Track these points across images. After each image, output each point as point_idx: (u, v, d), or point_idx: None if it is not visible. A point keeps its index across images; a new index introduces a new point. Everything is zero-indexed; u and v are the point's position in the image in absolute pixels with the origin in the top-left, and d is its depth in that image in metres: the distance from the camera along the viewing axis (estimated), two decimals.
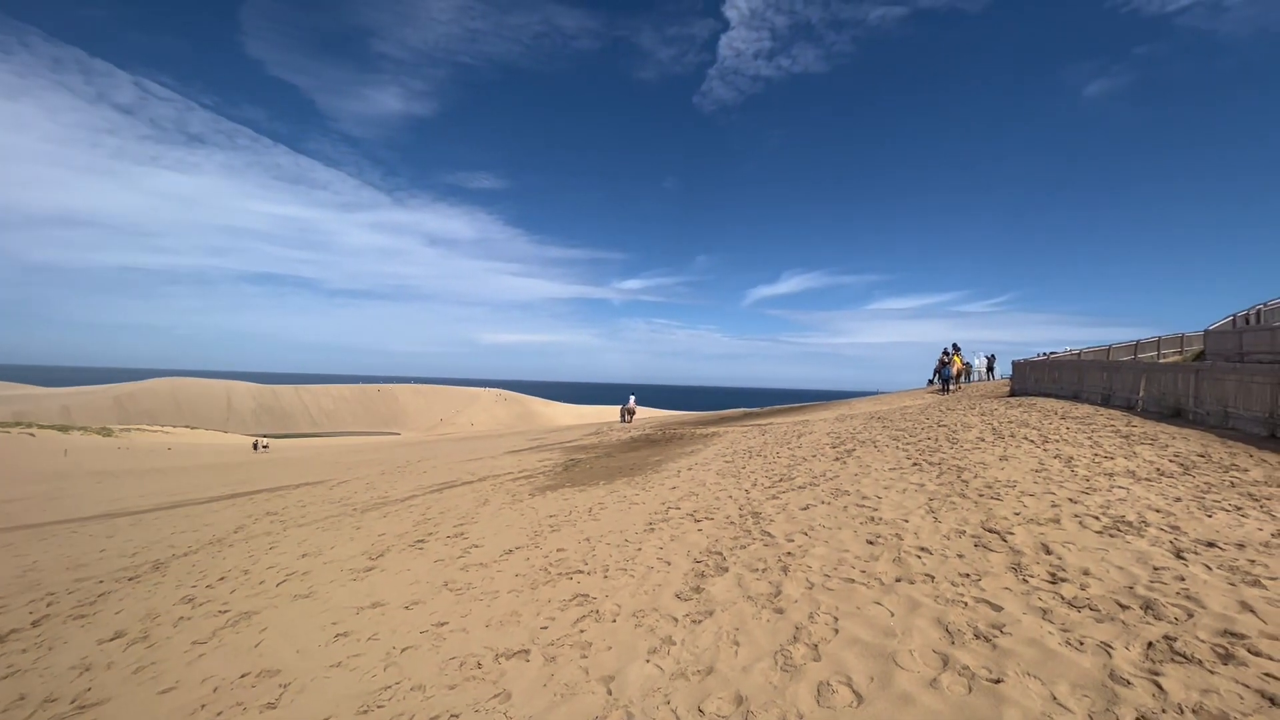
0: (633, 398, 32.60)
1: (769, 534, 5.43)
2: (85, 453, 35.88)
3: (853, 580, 4.16)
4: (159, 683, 4.05)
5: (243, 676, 3.94)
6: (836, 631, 3.47)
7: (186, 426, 59.22)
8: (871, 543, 4.85)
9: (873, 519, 5.48)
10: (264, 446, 41.68)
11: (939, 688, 2.80)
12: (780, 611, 3.82)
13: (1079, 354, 16.04)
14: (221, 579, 6.46)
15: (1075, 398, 14.51)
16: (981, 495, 5.83)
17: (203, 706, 3.61)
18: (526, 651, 3.74)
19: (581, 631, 3.92)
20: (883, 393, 33.71)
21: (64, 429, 43.82)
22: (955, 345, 24.30)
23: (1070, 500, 5.48)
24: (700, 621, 3.82)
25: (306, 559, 6.81)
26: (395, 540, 7.12)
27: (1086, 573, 3.85)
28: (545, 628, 4.05)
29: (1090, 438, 8.35)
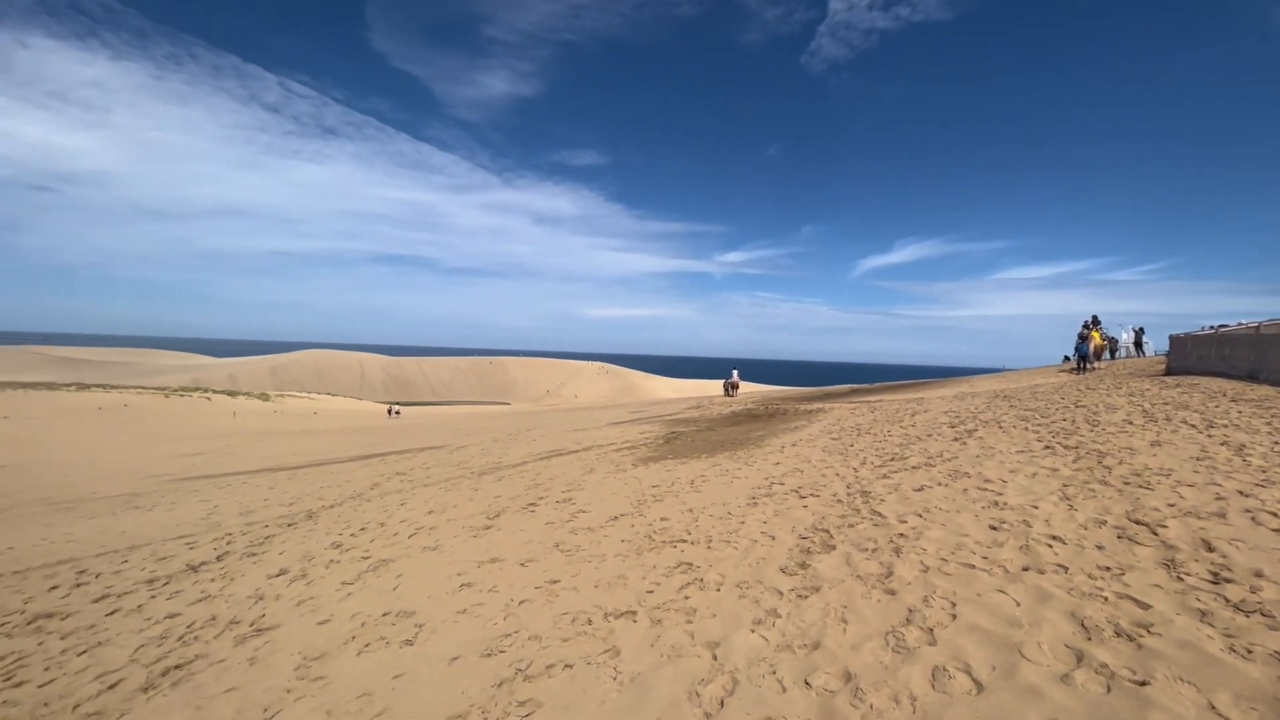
0: (735, 372, 32.33)
1: (879, 514, 5.24)
2: (249, 415, 41.13)
3: (973, 566, 3.93)
4: (317, 615, 4.63)
5: (384, 615, 4.41)
6: (954, 617, 3.31)
7: (328, 394, 65.96)
8: (995, 528, 4.55)
9: (996, 503, 5.12)
10: (396, 412, 45.76)
11: (1072, 684, 2.61)
12: (891, 593, 3.70)
13: (1257, 327, 13.80)
14: (363, 529, 7.23)
15: (1251, 378, 12.58)
16: (1127, 483, 5.26)
17: (353, 638, 4.09)
18: (634, 613, 3.89)
19: (686, 598, 4.01)
20: (1009, 370, 31.05)
21: (232, 394, 50.25)
22: (1094, 318, 21.67)
23: (1241, 493, 4.81)
24: (806, 597, 3.79)
25: (432, 515, 7.45)
26: (509, 502, 7.61)
27: (1259, 574, 3.39)
28: (651, 592, 4.19)
29: (1270, 424, 7.25)
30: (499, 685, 3.23)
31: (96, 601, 5.69)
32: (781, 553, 4.61)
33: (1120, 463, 5.96)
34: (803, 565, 4.30)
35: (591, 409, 39.33)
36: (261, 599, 5.18)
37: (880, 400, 18.10)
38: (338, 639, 4.10)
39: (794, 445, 9.62)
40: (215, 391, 50.07)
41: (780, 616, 3.58)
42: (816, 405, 18.43)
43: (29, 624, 5.29)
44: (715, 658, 3.22)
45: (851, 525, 5.03)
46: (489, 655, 3.58)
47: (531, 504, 7.34)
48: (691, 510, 6.15)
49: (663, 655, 3.32)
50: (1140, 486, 5.13)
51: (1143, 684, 2.55)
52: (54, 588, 6.34)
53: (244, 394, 51.72)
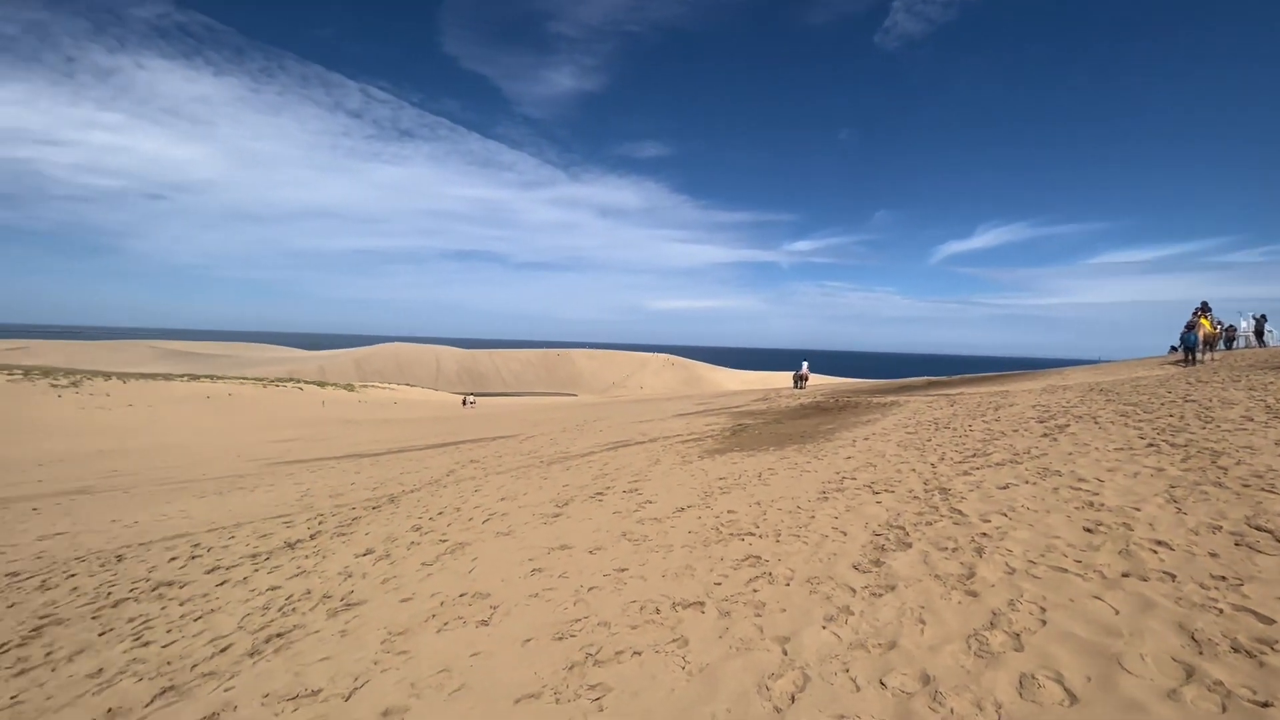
0: (805, 364, 31.61)
1: (959, 512, 5.00)
2: (336, 404, 43.80)
3: (1064, 570, 3.69)
4: (400, 593, 4.89)
5: (461, 595, 4.61)
6: (1044, 623, 3.12)
7: (407, 385, 69.26)
8: (1090, 531, 4.24)
9: (1091, 504, 4.78)
10: (472, 402, 47.62)
11: (1180, 700, 2.41)
12: (974, 595, 3.53)
13: None
14: (440, 513, 7.57)
15: None
16: (1246, 486, 4.78)
17: (433, 615, 4.30)
18: (701, 604, 3.89)
19: (755, 591, 3.97)
20: (1105, 361, 28.82)
21: (321, 385, 53.59)
22: (1204, 304, 19.63)
23: None
24: (881, 595, 3.67)
25: (504, 502, 7.71)
26: (577, 491, 7.76)
27: None
28: (719, 584, 4.18)
29: None
30: (570, 668, 3.32)
31: (209, 573, 6.25)
32: (854, 549, 4.48)
33: (1238, 463, 5.42)
34: (876, 563, 4.16)
35: (657, 400, 39.49)
36: (350, 576, 5.53)
37: (959, 393, 17.22)
38: (419, 616, 4.32)
39: (866, 439, 9.31)
40: (307, 382, 53.64)
41: (853, 614, 3.49)
42: (890, 398, 17.74)
43: (153, 590, 5.87)
44: (785, 652, 3.17)
45: (929, 523, 4.83)
46: (560, 639, 3.68)
47: (599, 493, 7.46)
48: (759, 503, 6.08)
49: (731, 647, 3.31)
50: (1263, 490, 4.65)
51: (1265, 705, 2.32)
52: (173, 559, 7.00)
53: (332, 384, 55.15)
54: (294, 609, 4.86)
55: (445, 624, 4.13)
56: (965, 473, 6.28)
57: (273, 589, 5.44)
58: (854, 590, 3.79)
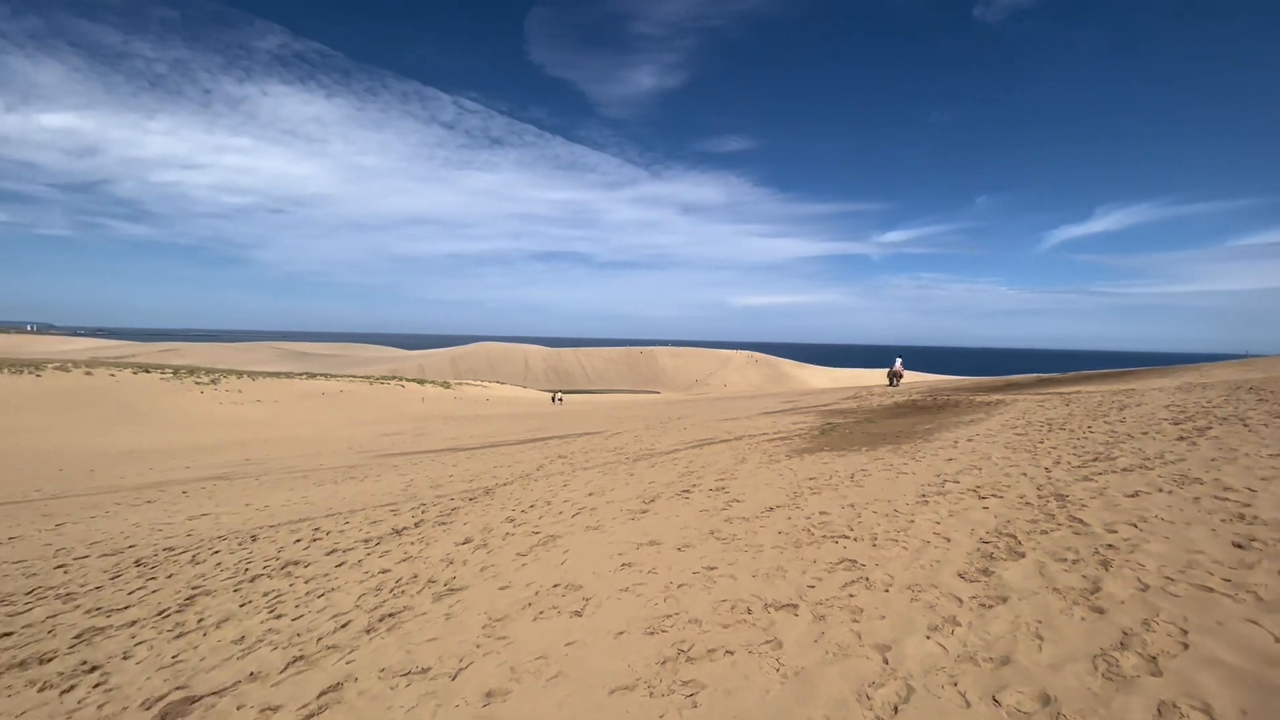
0: (899, 360, 30.20)
1: (1080, 521, 4.60)
2: (435, 401, 46.41)
3: (1210, 589, 3.31)
4: (497, 581, 5.12)
5: (555, 586, 4.77)
6: (1185, 646, 2.81)
7: (498, 382, 72.34)
8: (1240, 546, 3.78)
9: (1242, 516, 4.25)
10: (560, 399, 49.11)
11: None
12: (1099, 611, 3.23)
13: None
14: (532, 506, 7.86)
15: None
16: None
17: (529, 604, 4.47)
18: (795, 606, 3.81)
19: (851, 596, 3.84)
20: (1254, 356, 25.48)
21: (421, 382, 56.97)
22: None
23: None
24: (991, 607, 3.44)
25: (593, 497, 7.88)
26: (664, 488, 7.81)
27: None
28: (812, 586, 4.07)
29: None
30: (662, 663, 3.35)
31: (328, 554, 6.81)
32: (958, 556, 4.23)
33: None
34: (985, 572, 3.91)
35: (741, 398, 38.98)
36: (452, 563, 5.85)
37: (1075, 391, 15.80)
38: (516, 604, 4.51)
39: (969, 440, 8.75)
40: (408, 380, 57.25)
41: (960, 625, 3.29)
42: (995, 396, 16.57)
43: (282, 568, 6.48)
44: (886, 661, 3.05)
45: (1044, 532, 4.47)
46: (651, 634, 3.72)
47: (685, 491, 7.47)
48: (853, 505, 5.87)
49: (828, 652, 3.22)
50: None
51: None
52: (297, 540, 7.69)
53: (430, 382, 58.54)
54: (403, 591, 5.21)
55: (541, 613, 4.29)
56: (1085, 478, 5.76)
57: (384, 571, 5.85)
58: (960, 600, 3.58)
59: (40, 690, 4.11)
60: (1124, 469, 5.92)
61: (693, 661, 3.32)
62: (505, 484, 10.27)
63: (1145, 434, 7.56)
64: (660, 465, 9.83)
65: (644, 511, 6.70)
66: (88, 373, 40.70)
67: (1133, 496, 5.00)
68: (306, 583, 5.86)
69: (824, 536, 5.03)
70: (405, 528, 7.65)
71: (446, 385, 56.69)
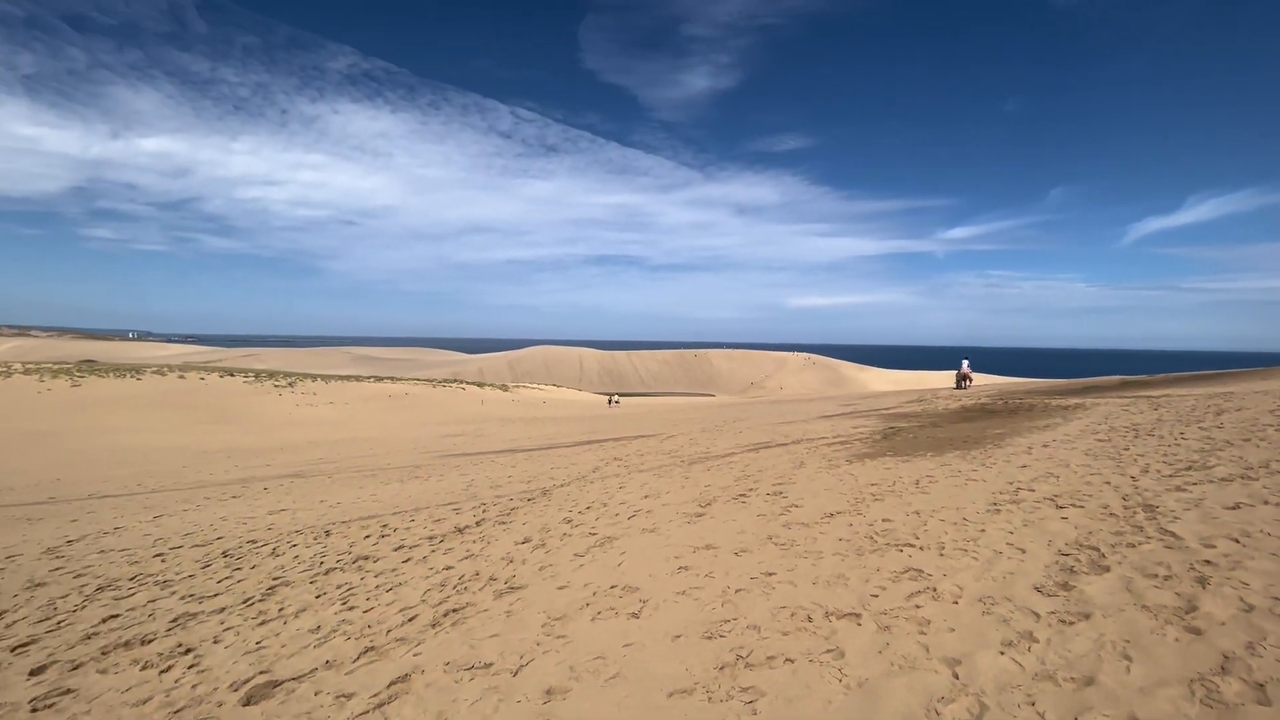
0: (965, 362, 28.97)
1: (1171, 534, 4.27)
2: (493, 403, 47.61)
3: None
4: (556, 581, 5.21)
5: (612, 587, 4.81)
6: None
7: (554, 385, 73.55)
8: None
9: None
10: (616, 402, 49.56)
11: None
12: (1196, 632, 3.00)
13: None
14: (588, 508, 7.95)
15: None
16: None
17: (586, 605, 4.53)
18: (857, 615, 3.70)
19: (917, 607, 3.70)
20: None
21: (480, 385, 58.58)
22: None
23: None
24: (1071, 623, 3.24)
25: (648, 499, 7.90)
26: (720, 492, 7.75)
27: None
28: (875, 596, 3.95)
29: None
30: (721, 668, 3.32)
31: (396, 550, 7.10)
32: (1035, 569, 4.01)
33: None
34: (1064, 586, 3.69)
35: (798, 401, 38.22)
36: (511, 561, 5.99)
37: (1164, 395, 14.70)
38: (574, 604, 4.57)
39: (1045, 446, 8.28)
40: (468, 383, 59.03)
41: (1037, 641, 3.12)
42: (1074, 400, 15.62)
43: (353, 562, 6.79)
44: (956, 676, 2.92)
45: (1131, 545, 4.18)
46: (709, 638, 3.69)
47: (741, 495, 7.39)
48: (918, 513, 5.65)
49: (893, 664, 3.11)
50: None
51: None
52: (367, 536, 8.05)
53: (489, 385, 60.18)
54: (465, 588, 5.37)
55: (599, 613, 4.33)
56: (1178, 488, 5.36)
57: (447, 568, 6.05)
58: (1037, 615, 3.39)
59: (142, 669, 4.45)
60: (1222, 479, 5.46)
61: (752, 668, 3.28)
62: (562, 485, 10.43)
63: (1247, 441, 6.95)
64: (716, 469, 9.76)
65: (700, 515, 6.66)
66: (181, 377, 43.98)
67: (1233, 509, 4.61)
68: (376, 577, 6.12)
69: (887, 544, 4.87)
70: (467, 526, 7.89)
71: (504, 388, 58.11)
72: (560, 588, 5.00)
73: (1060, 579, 3.80)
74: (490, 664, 3.77)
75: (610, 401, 49.27)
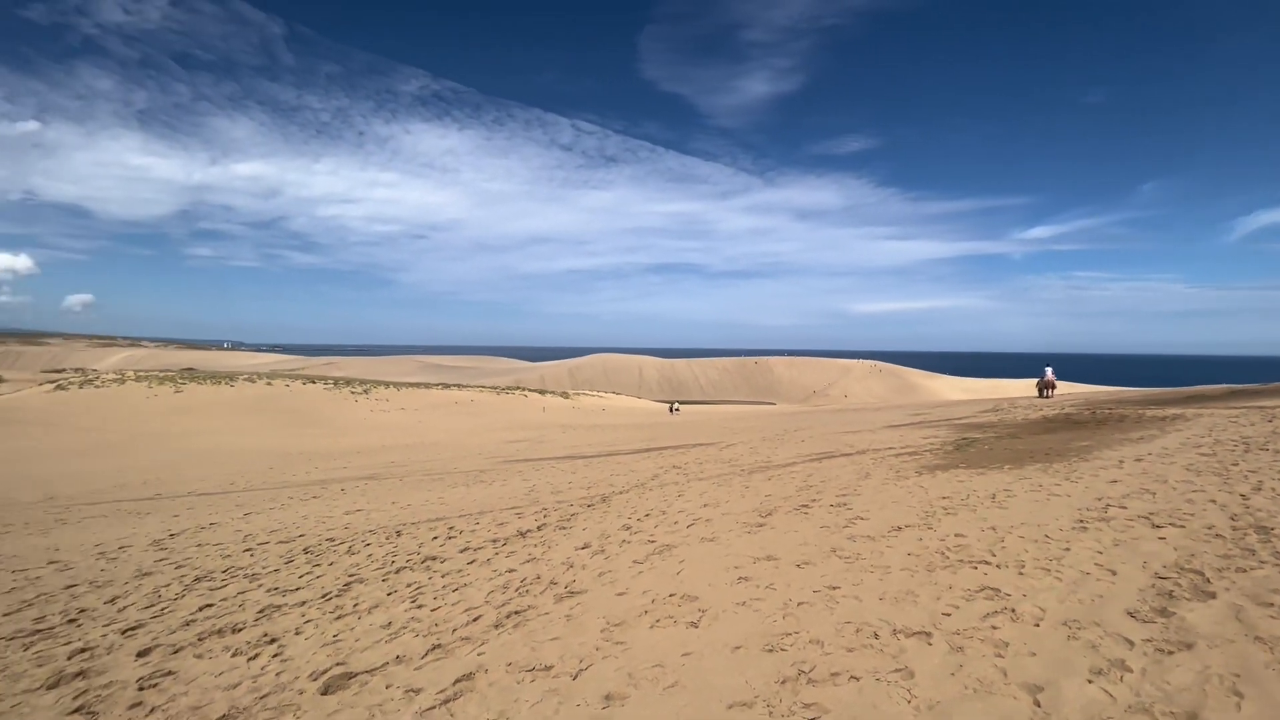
0: (1049, 370, 27.28)
1: None
2: (554, 410, 48.49)
3: None
4: (615, 587, 5.23)
5: (670, 595, 4.79)
6: None
7: (613, 392, 74.21)
8: None
9: None
10: (677, 409, 49.55)
11: None
12: None
13: None
14: (647, 515, 7.95)
15: None
16: None
17: (645, 612, 4.52)
18: (928, 634, 3.53)
19: (994, 628, 3.50)
20: None
21: (541, 393, 59.84)
22: None
23: None
24: (1171, 653, 2.98)
25: (707, 508, 7.83)
26: (781, 502, 7.59)
27: None
28: (948, 615, 3.76)
29: None
30: (782, 682, 3.24)
31: (462, 552, 7.33)
32: (1128, 592, 3.71)
33: None
34: (1162, 612, 3.40)
35: (863, 410, 36.99)
36: (571, 567, 6.06)
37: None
38: (633, 611, 4.58)
39: (1139, 460, 7.67)
40: (530, 390, 60.40)
41: (1131, 670, 2.88)
42: (1172, 411, 14.40)
43: (422, 562, 7.05)
44: (1038, 703, 2.74)
45: (1241, 570, 3.81)
46: (770, 651, 3.62)
47: (804, 505, 7.21)
48: (994, 528, 5.35)
49: (967, 687, 2.95)
50: None
51: None
52: (435, 537, 8.35)
53: (550, 392, 61.37)
54: (527, 590, 5.48)
55: (657, 621, 4.32)
56: None
57: (510, 571, 6.19)
58: (1131, 642, 3.14)
59: (233, 655, 4.77)
60: None
61: (815, 684, 3.18)
62: (621, 492, 10.49)
63: None
64: (777, 478, 9.57)
65: (760, 525, 6.55)
66: (268, 384, 47.11)
67: None
68: (443, 577, 6.34)
69: (960, 561, 4.63)
70: (529, 530, 8.05)
71: (565, 395, 59.09)
72: (619, 594, 5.01)
73: (1157, 604, 3.50)
74: (550, 666, 3.82)
75: (672, 409, 49.25)
